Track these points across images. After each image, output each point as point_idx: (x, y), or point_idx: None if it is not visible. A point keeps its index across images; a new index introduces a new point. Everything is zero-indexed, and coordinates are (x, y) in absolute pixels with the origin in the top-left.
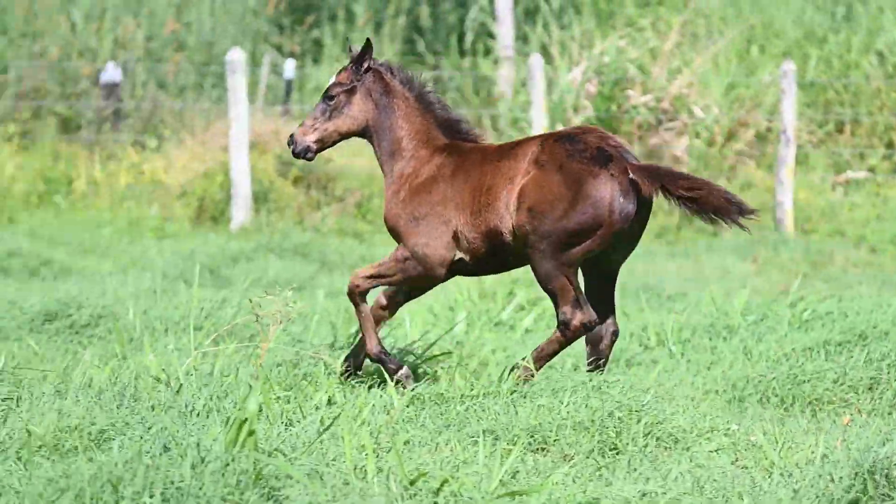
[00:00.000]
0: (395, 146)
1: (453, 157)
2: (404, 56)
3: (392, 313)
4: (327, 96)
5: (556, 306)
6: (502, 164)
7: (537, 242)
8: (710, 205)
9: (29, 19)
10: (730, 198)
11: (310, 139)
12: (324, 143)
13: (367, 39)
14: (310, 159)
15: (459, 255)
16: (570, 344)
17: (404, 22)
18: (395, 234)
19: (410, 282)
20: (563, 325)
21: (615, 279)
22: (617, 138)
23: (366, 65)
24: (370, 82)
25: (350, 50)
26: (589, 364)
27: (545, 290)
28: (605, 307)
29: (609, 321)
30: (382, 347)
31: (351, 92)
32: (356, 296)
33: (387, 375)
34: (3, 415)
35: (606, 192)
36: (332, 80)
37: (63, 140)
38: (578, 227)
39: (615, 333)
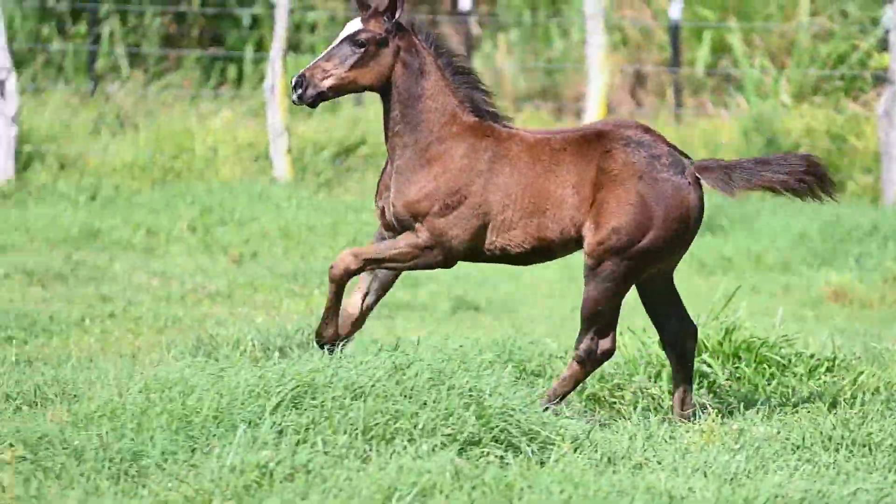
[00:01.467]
0: (423, 116)
1: (490, 142)
2: None
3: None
4: (357, 42)
5: (585, 331)
6: (559, 167)
7: (614, 263)
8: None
9: None
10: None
11: (326, 84)
12: (337, 93)
13: None
14: (313, 106)
15: (485, 247)
16: (588, 376)
17: None
18: (416, 217)
19: (416, 269)
20: (585, 354)
21: (672, 279)
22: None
23: (397, 16)
24: (398, 38)
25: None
26: (675, 379)
27: (589, 311)
28: (678, 310)
29: (687, 323)
30: (337, 339)
31: (382, 44)
32: (344, 278)
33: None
34: None
35: (692, 204)
36: (353, 27)
37: None
38: (663, 246)
39: (694, 334)
